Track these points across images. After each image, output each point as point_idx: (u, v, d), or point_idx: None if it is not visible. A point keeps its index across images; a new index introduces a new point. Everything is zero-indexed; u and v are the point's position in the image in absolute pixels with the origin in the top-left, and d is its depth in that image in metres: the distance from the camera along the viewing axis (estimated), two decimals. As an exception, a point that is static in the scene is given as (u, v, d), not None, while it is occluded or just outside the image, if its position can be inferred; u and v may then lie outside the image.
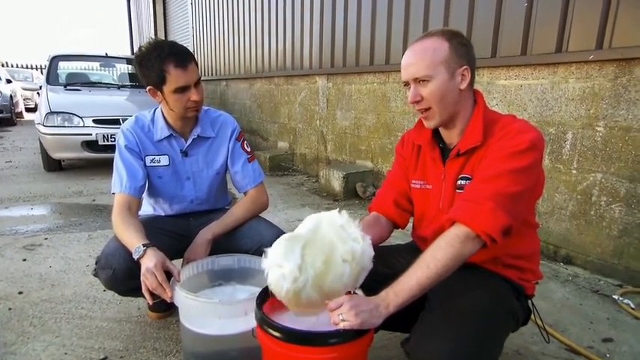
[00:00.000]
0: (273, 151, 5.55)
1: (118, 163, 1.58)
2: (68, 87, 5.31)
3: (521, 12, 2.55)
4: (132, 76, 6.24)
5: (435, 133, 1.24)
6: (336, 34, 4.31)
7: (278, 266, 0.98)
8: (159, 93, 1.51)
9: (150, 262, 1.28)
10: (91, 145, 4.47)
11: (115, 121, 4.49)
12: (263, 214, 1.75)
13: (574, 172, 2.41)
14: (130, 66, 6.50)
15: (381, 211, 1.37)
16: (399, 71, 1.18)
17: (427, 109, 1.14)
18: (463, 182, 1.15)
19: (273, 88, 5.69)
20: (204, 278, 1.50)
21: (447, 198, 1.19)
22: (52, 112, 4.49)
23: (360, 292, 1.08)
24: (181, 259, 1.58)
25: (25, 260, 2.41)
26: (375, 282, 1.05)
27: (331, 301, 1.01)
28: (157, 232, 1.56)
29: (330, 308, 1.00)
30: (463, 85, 1.12)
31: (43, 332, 1.71)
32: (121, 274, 1.43)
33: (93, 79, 6.42)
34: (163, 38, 6.13)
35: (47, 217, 3.25)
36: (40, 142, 4.66)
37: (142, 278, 1.28)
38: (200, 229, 1.61)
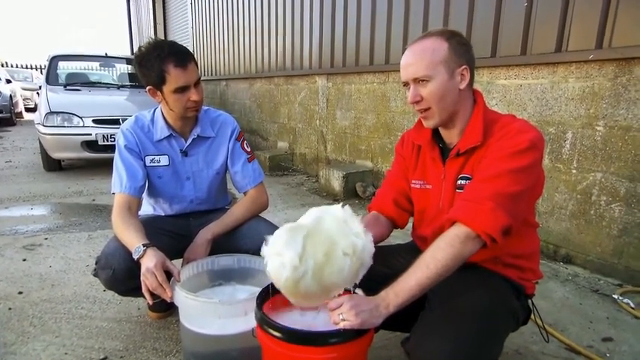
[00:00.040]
0: (273, 151, 5.55)
1: (117, 163, 1.58)
2: (68, 87, 5.30)
3: (520, 11, 2.55)
4: (132, 76, 6.24)
5: (435, 132, 1.24)
6: (335, 34, 4.31)
7: (278, 254, 0.97)
8: (159, 93, 1.51)
9: (150, 262, 1.28)
10: (90, 145, 4.46)
11: (115, 121, 4.49)
12: (263, 214, 1.75)
13: (574, 171, 2.41)
14: (129, 66, 6.49)
15: (381, 210, 1.37)
16: (399, 71, 1.17)
17: (427, 109, 1.14)
18: (463, 182, 1.15)
19: (273, 88, 5.69)
20: (204, 278, 1.50)
21: (446, 198, 1.19)
22: (51, 112, 4.49)
23: (360, 291, 1.08)
24: (181, 259, 1.58)
25: (25, 260, 2.41)
26: (375, 282, 1.05)
27: (331, 300, 1.01)
28: (157, 232, 1.56)
29: (330, 308, 1.00)
30: (463, 85, 1.12)
31: (43, 332, 1.71)
32: (121, 274, 1.43)
33: (93, 79, 6.42)
34: (163, 38, 6.14)
35: (47, 217, 3.25)
36: (40, 142, 4.65)
37: (142, 278, 1.28)
38: (200, 229, 1.61)
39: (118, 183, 1.55)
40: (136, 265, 1.33)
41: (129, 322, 1.79)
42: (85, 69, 10.68)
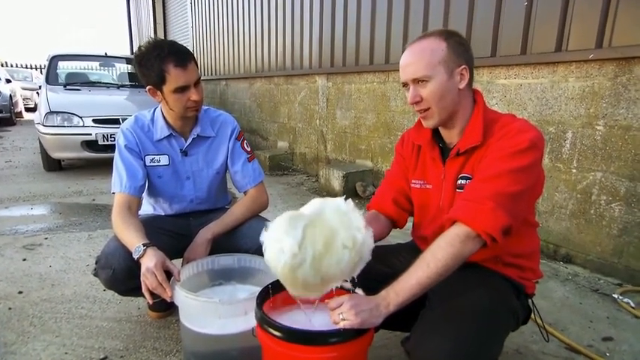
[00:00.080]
0: (272, 151, 5.55)
1: (117, 162, 1.58)
2: (68, 87, 5.30)
3: (520, 11, 2.55)
4: (131, 76, 6.24)
5: (435, 132, 1.24)
6: (335, 34, 4.31)
7: (278, 240, 0.96)
8: (159, 93, 1.51)
9: (150, 261, 1.28)
10: (90, 144, 4.46)
11: (115, 121, 4.49)
12: (263, 214, 1.75)
13: (574, 171, 2.41)
14: (129, 65, 6.49)
15: (380, 209, 1.37)
16: (399, 70, 1.18)
17: (426, 110, 1.14)
18: (463, 182, 1.15)
19: (273, 88, 5.69)
20: (205, 278, 1.50)
21: (447, 197, 1.19)
22: (51, 112, 4.49)
23: (360, 291, 1.08)
24: (181, 259, 1.58)
25: (25, 260, 2.41)
26: (375, 281, 1.05)
27: (331, 300, 1.01)
28: (157, 231, 1.56)
29: (331, 307, 1.00)
30: (462, 85, 1.12)
31: (43, 332, 1.71)
32: (121, 274, 1.43)
33: (92, 78, 6.42)
34: (163, 38, 6.13)
35: (47, 217, 3.25)
36: (40, 142, 4.65)
37: (142, 278, 1.28)
38: (200, 228, 1.61)
39: (118, 183, 1.55)
40: (136, 265, 1.33)
41: (129, 322, 1.79)
42: (84, 69, 10.69)
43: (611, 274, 2.29)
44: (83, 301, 1.97)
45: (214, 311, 1.23)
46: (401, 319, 1.03)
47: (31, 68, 17.48)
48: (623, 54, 2.11)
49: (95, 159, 4.73)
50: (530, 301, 1.25)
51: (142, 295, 1.30)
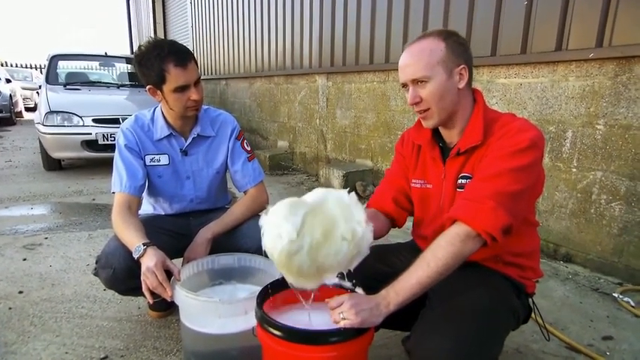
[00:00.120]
0: (272, 150, 5.55)
1: (117, 162, 1.58)
2: (68, 86, 5.30)
3: (520, 10, 2.54)
4: (131, 76, 6.24)
5: (435, 132, 1.24)
6: (335, 33, 4.31)
7: (276, 225, 0.96)
8: (159, 92, 1.51)
9: (150, 261, 1.28)
10: (90, 144, 4.46)
11: (115, 121, 4.49)
12: (263, 214, 1.75)
13: (574, 170, 2.41)
14: (129, 65, 6.49)
15: (380, 207, 1.37)
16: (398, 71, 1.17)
17: (426, 110, 1.14)
18: (463, 181, 1.15)
19: (273, 87, 5.68)
20: (205, 277, 1.50)
21: (447, 197, 1.19)
22: (51, 112, 4.49)
23: (360, 290, 1.08)
24: (181, 259, 1.58)
25: (25, 260, 2.41)
26: (375, 280, 1.05)
27: (331, 299, 1.01)
28: (157, 231, 1.56)
29: (331, 307, 1.00)
30: (461, 84, 1.12)
31: (43, 331, 1.71)
32: (121, 274, 1.43)
33: (92, 78, 6.42)
34: (163, 37, 6.12)
35: (47, 217, 3.25)
36: (40, 142, 4.66)
37: (142, 277, 1.28)
38: (200, 228, 1.61)
39: (118, 182, 1.55)
40: (136, 265, 1.33)
41: (129, 322, 1.79)
42: (84, 68, 10.67)
43: (611, 274, 2.29)
44: (83, 300, 1.97)
45: (214, 311, 1.23)
46: (401, 318, 1.03)
47: (31, 68, 17.48)
48: (624, 53, 2.11)
49: (95, 158, 4.72)
50: (530, 300, 1.25)
51: (143, 294, 1.30)
